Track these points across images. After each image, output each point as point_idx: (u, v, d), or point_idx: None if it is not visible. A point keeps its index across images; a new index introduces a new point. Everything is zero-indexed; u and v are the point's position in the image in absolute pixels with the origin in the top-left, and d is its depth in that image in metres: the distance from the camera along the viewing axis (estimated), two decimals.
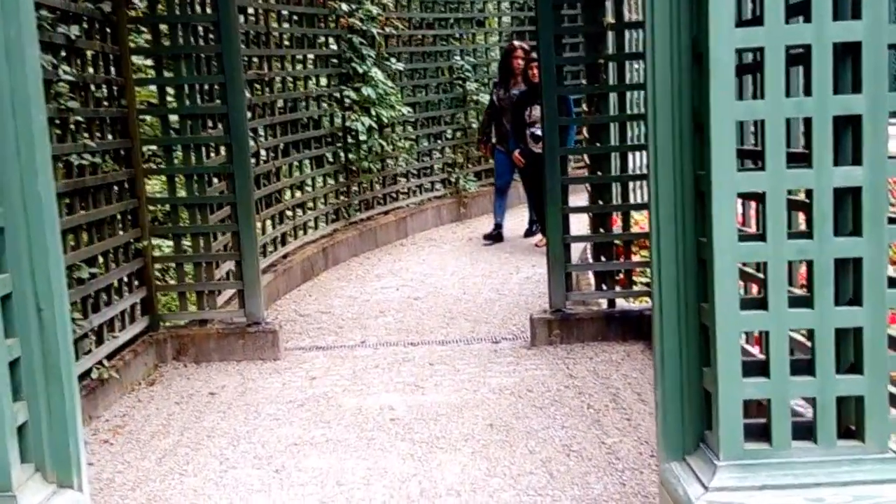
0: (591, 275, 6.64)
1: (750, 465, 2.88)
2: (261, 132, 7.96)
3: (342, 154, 9.63)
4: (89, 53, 5.42)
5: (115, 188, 5.68)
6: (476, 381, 5.51)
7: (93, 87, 5.42)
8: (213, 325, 6.20)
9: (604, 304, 6.38)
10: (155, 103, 6.47)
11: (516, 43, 10.01)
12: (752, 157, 3.59)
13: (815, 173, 2.77)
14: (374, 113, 9.74)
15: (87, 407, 4.92)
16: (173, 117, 6.26)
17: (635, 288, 6.44)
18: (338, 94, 9.50)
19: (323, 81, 9.49)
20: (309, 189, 9.13)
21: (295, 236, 8.61)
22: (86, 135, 5.25)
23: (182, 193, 6.22)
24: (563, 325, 6.17)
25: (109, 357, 5.39)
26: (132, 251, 5.91)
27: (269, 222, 7.98)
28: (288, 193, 8.51)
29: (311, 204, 9.13)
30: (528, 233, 10.27)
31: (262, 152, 7.93)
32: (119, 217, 5.75)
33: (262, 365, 6.01)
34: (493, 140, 10.08)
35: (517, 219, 10.74)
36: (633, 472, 4.10)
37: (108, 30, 5.70)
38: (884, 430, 2.87)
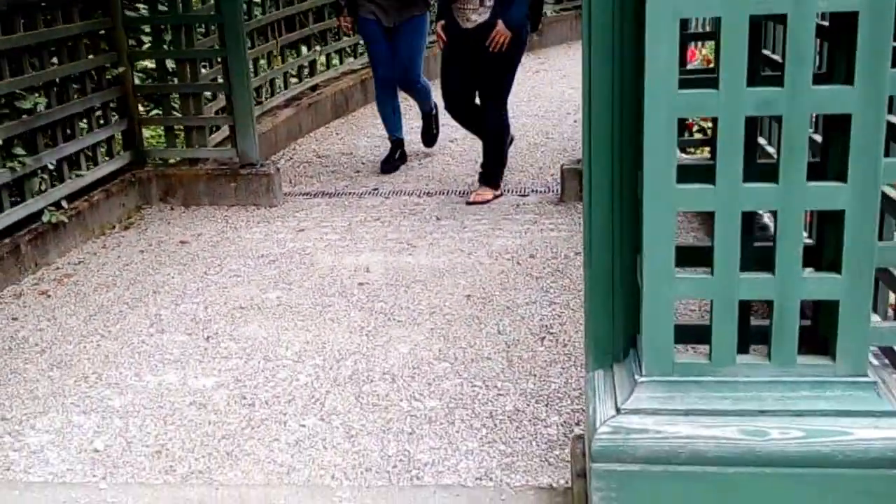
0: None
1: (679, 383, 2.17)
2: None
3: None
4: None
5: (79, 5, 5.01)
6: (478, 241, 4.85)
7: None
8: (205, 164, 5.66)
9: None
10: None
11: None
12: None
13: (786, 92, 1.92)
14: None
15: (34, 254, 4.51)
16: None
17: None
18: None
19: None
20: None
21: (328, 65, 7.85)
22: None
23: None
24: None
25: (72, 198, 4.93)
26: (106, 79, 5.33)
27: (291, 49, 7.26)
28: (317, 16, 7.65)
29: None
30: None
31: None
32: (87, 39, 5.14)
33: (254, 212, 5.47)
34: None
35: None
36: None
37: None
38: (861, 346, 2.06)
